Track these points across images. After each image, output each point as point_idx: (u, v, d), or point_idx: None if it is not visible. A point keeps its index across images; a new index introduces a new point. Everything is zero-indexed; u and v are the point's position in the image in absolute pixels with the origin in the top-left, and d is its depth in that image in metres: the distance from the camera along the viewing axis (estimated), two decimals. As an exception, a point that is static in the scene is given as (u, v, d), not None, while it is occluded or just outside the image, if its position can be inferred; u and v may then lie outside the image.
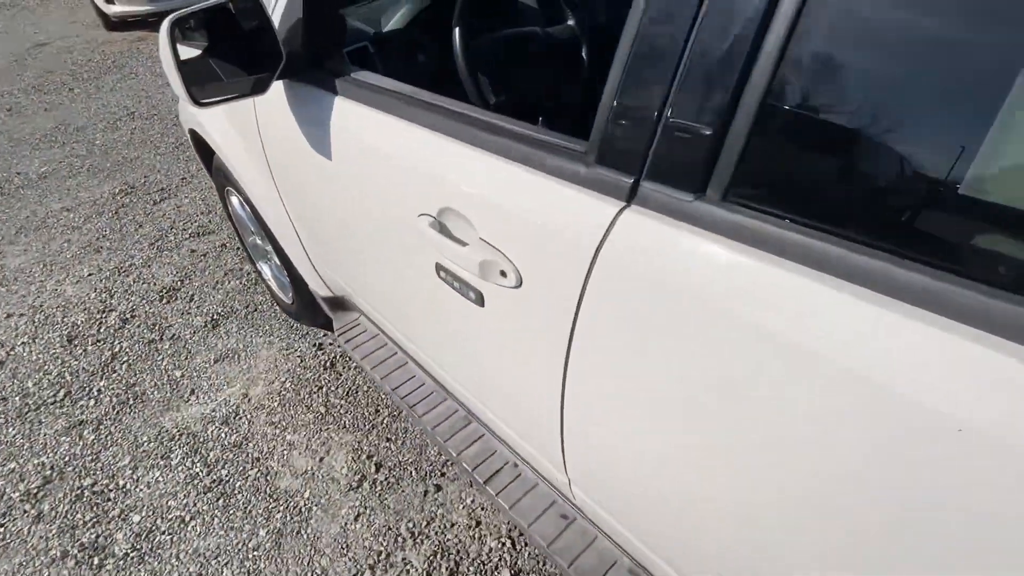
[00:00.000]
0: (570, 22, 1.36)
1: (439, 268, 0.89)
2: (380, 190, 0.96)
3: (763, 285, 0.50)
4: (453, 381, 1.22)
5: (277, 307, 2.21)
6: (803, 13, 0.43)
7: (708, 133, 0.51)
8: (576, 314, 0.67)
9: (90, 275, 2.47)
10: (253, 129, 1.33)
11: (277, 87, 1.13)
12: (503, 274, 0.75)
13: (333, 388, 1.90)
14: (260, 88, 1.01)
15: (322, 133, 1.04)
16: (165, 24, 0.89)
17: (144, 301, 2.30)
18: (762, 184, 0.50)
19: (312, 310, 1.91)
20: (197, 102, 0.92)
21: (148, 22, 5.90)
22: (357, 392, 1.88)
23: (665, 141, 0.54)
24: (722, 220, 0.52)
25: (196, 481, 1.64)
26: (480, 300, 0.83)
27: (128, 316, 2.23)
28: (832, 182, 0.47)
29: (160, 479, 1.66)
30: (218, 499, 1.59)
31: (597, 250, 0.61)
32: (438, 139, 0.82)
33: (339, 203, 1.13)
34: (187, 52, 0.97)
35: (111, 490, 1.63)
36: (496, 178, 0.74)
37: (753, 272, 0.51)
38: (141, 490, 1.63)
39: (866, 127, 0.45)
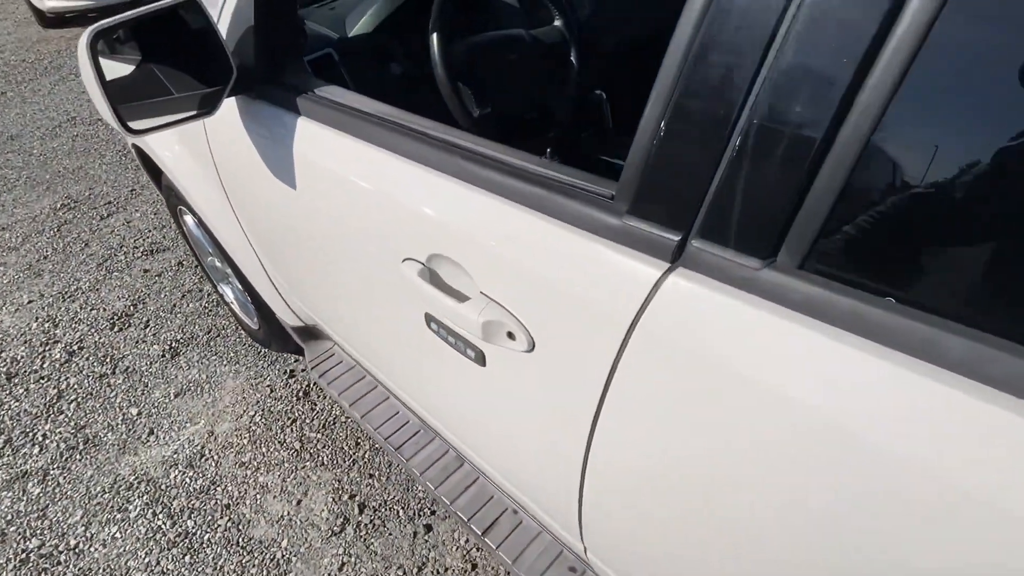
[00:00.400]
0: (557, 23, 1.24)
1: (429, 319, 0.77)
2: (355, 228, 0.83)
3: (855, 380, 0.40)
4: (449, 432, 1.10)
5: (242, 332, 2.05)
6: (930, 32, 0.33)
7: (786, 181, 0.40)
8: (606, 386, 0.56)
9: (30, 302, 2.25)
10: (204, 149, 1.17)
11: (229, 104, 0.98)
12: (511, 336, 0.64)
13: (308, 420, 1.75)
14: (208, 108, 0.86)
15: (283, 159, 0.90)
16: (85, 38, 0.74)
17: (93, 330, 2.10)
18: (857, 250, 0.40)
19: (281, 336, 1.76)
20: (130, 130, 0.77)
21: (88, 18, 5.51)
22: (335, 424, 1.74)
23: (726, 190, 0.43)
24: (799, 294, 0.42)
25: (159, 535, 1.49)
26: (481, 360, 0.71)
27: (75, 348, 2.03)
28: (954, 254, 0.37)
29: (118, 535, 1.49)
30: (184, 555, 1.44)
31: (635, 320, 0.50)
32: (425, 173, 0.70)
33: (306, 237, 1.00)
34: (115, 69, 0.81)
35: (61, 552, 1.47)
36: (498, 224, 0.62)
37: (842, 361, 0.40)
38: (96, 550, 1.47)
39: (1009, 185, 0.34)
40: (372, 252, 0.82)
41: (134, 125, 0.77)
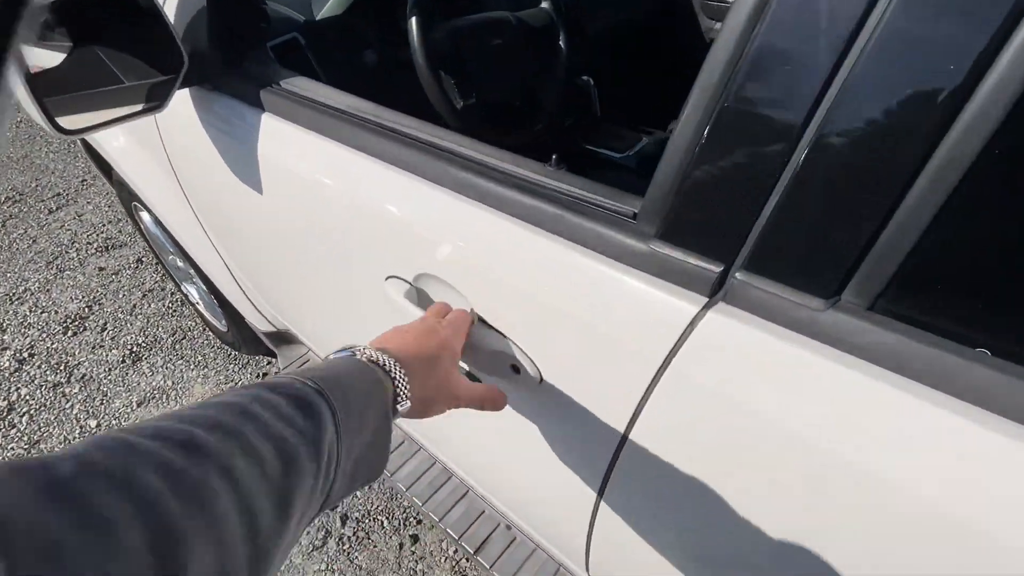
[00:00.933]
0: (544, 4, 1.14)
1: (418, 341, 0.69)
2: (331, 239, 0.74)
3: (935, 443, 0.34)
4: (440, 454, 1.03)
5: (210, 333, 1.93)
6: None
7: (863, 206, 0.33)
8: (630, 426, 0.50)
9: (-26, 306, 2.09)
10: (157, 143, 1.05)
11: (182, 95, 0.87)
12: (515, 370, 0.56)
13: (283, 427, 1.66)
14: (156, 103, 0.75)
15: (245, 159, 0.80)
16: (1, 22, 0.62)
17: (44, 335, 1.95)
18: (946, 291, 0.34)
19: (253, 340, 1.65)
20: (60, 129, 0.66)
21: (28, -9, 5.13)
22: (312, 430, 1.65)
23: (783, 214, 0.37)
24: (869, 339, 0.36)
25: (125, 558, 1.39)
26: None
27: (26, 355, 1.89)
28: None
29: (79, 560, 1.39)
30: (154, 579, 1.35)
31: (667, 360, 0.44)
32: (412, 181, 0.61)
33: (276, 243, 0.90)
34: (43, 59, 0.70)
35: (17, 580, 1.36)
36: (498, 242, 0.54)
37: (919, 421, 0.35)
38: (56, 577, 1.36)
39: None
40: (351, 266, 0.74)
41: (65, 123, 0.66)
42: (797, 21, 0.33)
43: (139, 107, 0.74)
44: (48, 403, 1.74)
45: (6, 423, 1.69)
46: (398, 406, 0.43)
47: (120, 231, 2.39)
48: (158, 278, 2.15)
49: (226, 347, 1.88)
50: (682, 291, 0.43)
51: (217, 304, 1.59)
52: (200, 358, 1.87)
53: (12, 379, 1.82)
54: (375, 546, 1.41)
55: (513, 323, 0.57)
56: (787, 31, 0.33)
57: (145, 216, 1.62)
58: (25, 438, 1.65)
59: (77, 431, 1.67)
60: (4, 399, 1.76)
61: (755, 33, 0.34)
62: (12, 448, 1.63)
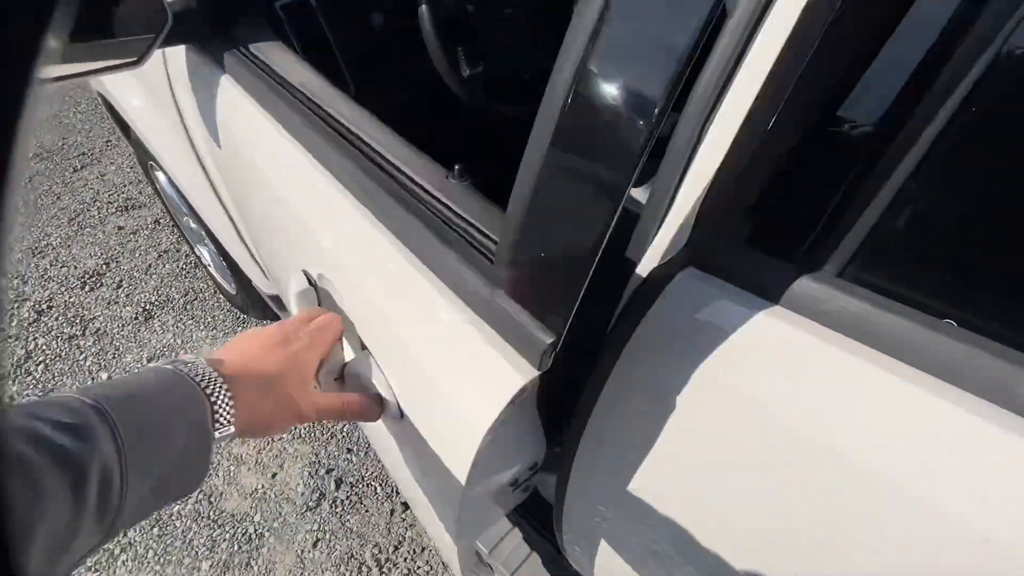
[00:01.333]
0: (559, -27, 1.12)
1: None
2: (265, 219, 0.73)
3: (897, 419, 0.33)
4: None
5: (221, 296, 1.97)
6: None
7: (830, 174, 0.32)
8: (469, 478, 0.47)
9: (-2, 257, 2.15)
10: (168, 102, 1.06)
11: (180, 52, 0.87)
12: (379, 399, 0.54)
13: (286, 391, 1.69)
14: (135, 57, 0.74)
15: (213, 118, 0.80)
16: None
17: (63, 288, 2.01)
18: (914, 259, 0.33)
19: (260, 303, 1.68)
20: (37, 77, 0.66)
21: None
22: (313, 396, 1.68)
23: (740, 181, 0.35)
24: (837, 307, 0.34)
25: (127, 506, 1.44)
26: None
27: (44, 307, 1.95)
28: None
29: (84, 504, 1.44)
30: (152, 527, 1.40)
31: (495, 426, 0.41)
32: (321, 177, 0.58)
33: (246, 210, 0.91)
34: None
35: (25, 519, 1.41)
36: (375, 258, 0.51)
37: (882, 394, 0.33)
38: (61, 518, 1.42)
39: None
40: (287, 247, 0.72)
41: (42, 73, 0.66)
42: None
43: (118, 59, 0.73)
44: (63, 354, 1.80)
45: (22, 371, 1.75)
46: (217, 430, 0.41)
47: (140, 192, 2.43)
48: (174, 239, 2.19)
49: (235, 310, 1.92)
50: (516, 358, 0.38)
51: (227, 267, 1.62)
52: (210, 319, 1.91)
53: (31, 329, 1.87)
54: (367, 511, 1.44)
55: (382, 350, 0.53)
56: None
57: (160, 176, 1.64)
58: (39, 386, 1.71)
59: (89, 382, 1.72)
60: (22, 347, 1.82)
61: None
62: (27, 395, 1.69)
